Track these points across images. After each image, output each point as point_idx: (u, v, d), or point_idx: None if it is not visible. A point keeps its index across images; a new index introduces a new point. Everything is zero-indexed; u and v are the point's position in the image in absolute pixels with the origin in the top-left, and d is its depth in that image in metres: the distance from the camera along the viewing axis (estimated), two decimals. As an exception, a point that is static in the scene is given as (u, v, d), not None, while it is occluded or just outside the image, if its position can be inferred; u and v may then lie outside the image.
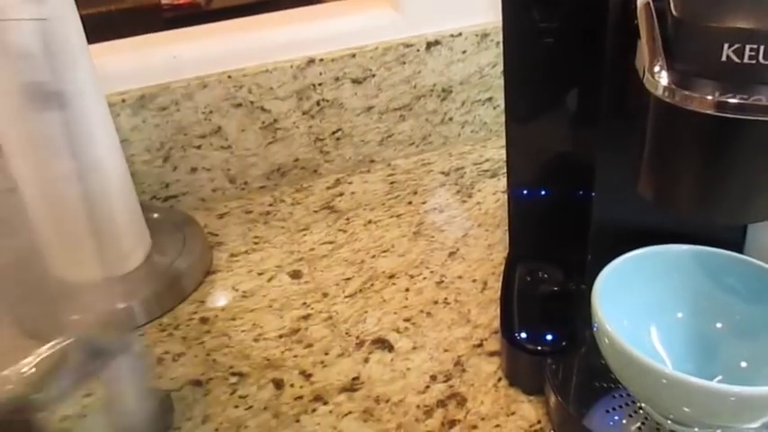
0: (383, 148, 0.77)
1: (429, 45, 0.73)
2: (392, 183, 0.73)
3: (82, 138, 0.53)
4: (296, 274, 0.61)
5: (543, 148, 0.52)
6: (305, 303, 0.57)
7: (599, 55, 0.42)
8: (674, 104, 0.29)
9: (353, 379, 0.49)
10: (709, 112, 0.27)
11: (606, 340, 0.38)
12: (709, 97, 0.27)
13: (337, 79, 0.71)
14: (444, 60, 0.75)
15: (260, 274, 0.61)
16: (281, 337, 0.54)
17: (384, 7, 0.73)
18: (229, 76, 0.68)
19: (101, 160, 0.55)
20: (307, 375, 0.50)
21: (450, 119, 0.78)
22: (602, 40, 0.40)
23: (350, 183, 0.74)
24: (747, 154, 0.31)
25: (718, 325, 0.42)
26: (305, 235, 0.66)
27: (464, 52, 0.75)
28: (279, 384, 0.50)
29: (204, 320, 0.56)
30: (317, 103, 0.72)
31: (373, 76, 0.73)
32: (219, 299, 0.59)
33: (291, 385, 0.49)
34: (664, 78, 0.28)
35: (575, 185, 0.52)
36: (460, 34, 0.74)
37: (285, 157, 0.73)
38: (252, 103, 0.69)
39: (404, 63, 0.73)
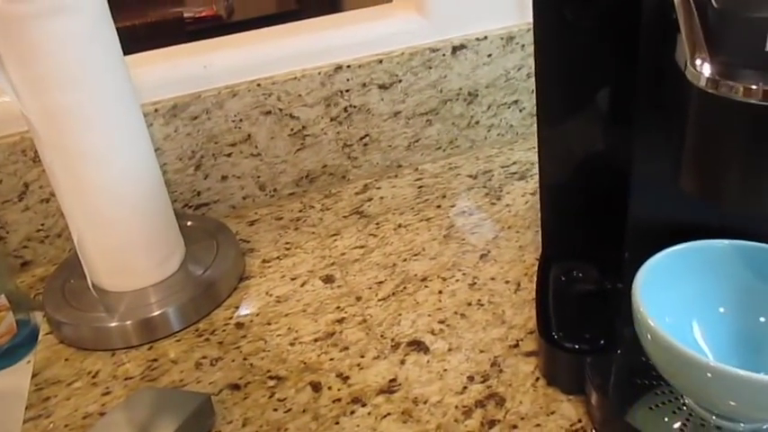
0: (411, 152, 0.77)
1: (455, 49, 0.74)
2: (420, 187, 0.74)
3: (119, 147, 0.54)
4: (329, 279, 0.61)
5: (575, 148, 0.52)
6: (339, 307, 0.57)
7: (633, 51, 0.42)
8: (716, 96, 0.29)
9: (391, 381, 0.50)
10: (753, 101, 0.27)
11: (649, 336, 0.37)
12: (754, 87, 0.27)
13: (364, 85, 0.72)
14: (470, 64, 0.75)
15: (293, 279, 0.62)
16: (316, 340, 0.54)
17: (410, 13, 0.74)
18: (258, 85, 0.68)
19: (137, 169, 0.56)
20: (344, 378, 0.50)
21: (477, 122, 0.78)
22: (637, 36, 0.40)
23: (378, 188, 0.74)
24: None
25: (762, 319, 0.41)
26: (336, 240, 0.66)
27: (489, 56, 0.75)
28: (316, 387, 0.50)
29: (240, 326, 0.57)
30: (345, 110, 0.72)
31: (400, 81, 0.73)
32: (254, 304, 0.59)
33: (329, 388, 0.50)
34: (706, 70, 0.28)
35: (608, 185, 0.52)
36: (486, 38, 0.74)
37: (314, 164, 0.74)
38: (281, 110, 0.70)
39: (430, 68, 0.74)
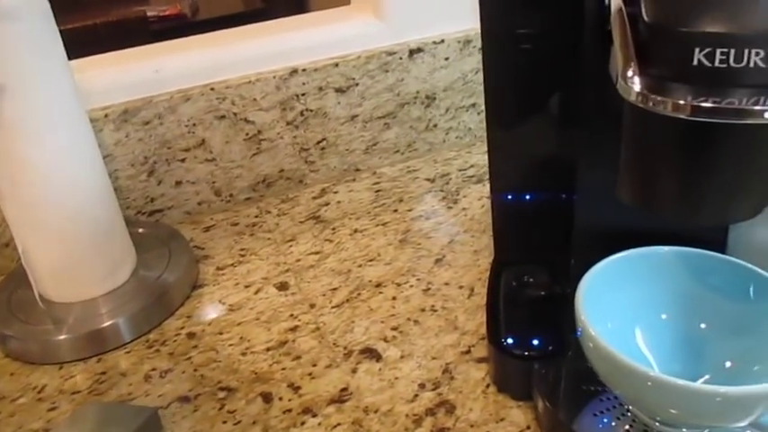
0: (368, 156, 0.77)
1: (412, 52, 0.73)
2: (378, 191, 0.73)
3: (63, 155, 0.53)
4: (283, 286, 0.61)
5: (525, 153, 0.52)
6: (292, 315, 0.57)
7: (578, 59, 0.42)
8: (647, 110, 0.29)
9: (342, 390, 0.49)
10: (682, 116, 0.28)
11: (591, 344, 0.38)
12: (682, 102, 0.27)
13: (321, 89, 0.71)
14: (427, 67, 0.75)
15: (247, 286, 0.61)
16: (268, 350, 0.54)
17: (367, 16, 0.73)
18: (212, 89, 0.67)
19: (83, 177, 0.55)
20: (295, 388, 0.50)
21: (435, 125, 0.78)
22: (581, 45, 0.40)
23: (336, 192, 0.74)
24: (722, 156, 0.31)
25: (703, 325, 0.42)
26: (291, 246, 0.66)
27: (447, 59, 0.75)
28: (267, 398, 0.49)
29: (191, 335, 0.56)
30: (301, 113, 0.72)
31: (357, 84, 0.73)
32: (206, 313, 0.58)
33: (280, 398, 0.49)
34: (636, 84, 0.28)
35: (558, 189, 0.52)
36: (443, 41, 0.74)
37: (270, 168, 0.73)
38: (235, 114, 0.69)
39: (387, 71, 0.73)
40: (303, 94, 0.71)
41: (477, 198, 0.70)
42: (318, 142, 0.74)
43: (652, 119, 0.29)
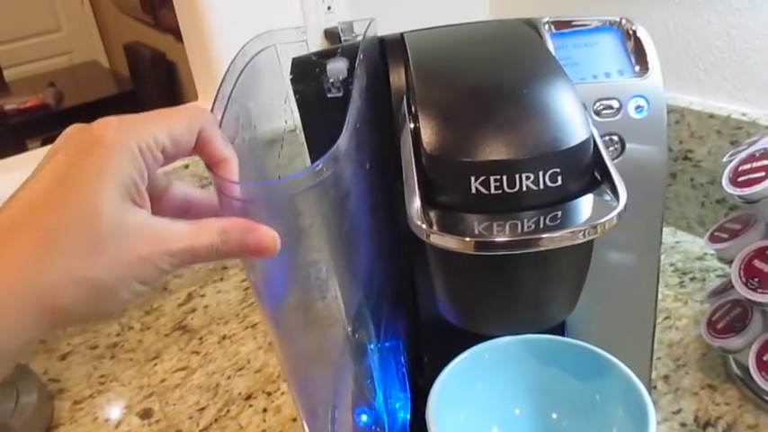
0: (234, 252, 0.75)
1: (264, 143, 0.72)
2: (246, 288, 0.71)
3: None
4: (146, 413, 0.57)
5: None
6: (156, 447, 0.53)
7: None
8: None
9: None
10: (469, 252, 0.28)
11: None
12: (467, 239, 0.27)
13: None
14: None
15: (107, 420, 0.57)
16: (129, 493, 0.50)
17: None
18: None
19: None
20: None
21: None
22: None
23: (203, 295, 0.71)
24: (522, 280, 0.31)
25: (554, 415, 0.42)
26: (156, 364, 0.62)
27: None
28: None
29: (43, 489, 0.51)
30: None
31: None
32: (61, 459, 0.54)
33: None
34: (423, 221, 0.28)
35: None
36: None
37: (129, 281, 0.69)
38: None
39: (241, 165, 0.72)
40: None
41: (346, 284, 0.69)
42: (178, 246, 0.71)
43: (442, 253, 0.29)
